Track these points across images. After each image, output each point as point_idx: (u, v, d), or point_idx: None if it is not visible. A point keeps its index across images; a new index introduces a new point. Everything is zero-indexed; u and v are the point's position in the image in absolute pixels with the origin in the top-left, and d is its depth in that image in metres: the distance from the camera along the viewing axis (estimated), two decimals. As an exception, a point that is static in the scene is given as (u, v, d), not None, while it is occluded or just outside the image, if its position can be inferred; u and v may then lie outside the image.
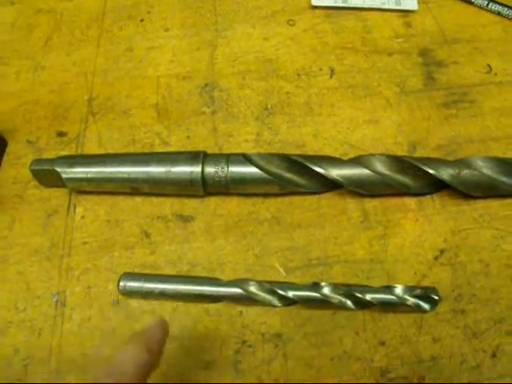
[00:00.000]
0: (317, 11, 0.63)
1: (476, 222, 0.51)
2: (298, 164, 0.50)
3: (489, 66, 0.59)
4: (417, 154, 0.54)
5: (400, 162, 0.51)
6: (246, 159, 0.50)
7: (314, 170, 0.50)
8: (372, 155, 0.51)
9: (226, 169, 0.50)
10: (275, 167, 0.50)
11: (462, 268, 0.49)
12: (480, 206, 0.52)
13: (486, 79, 0.59)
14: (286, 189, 0.51)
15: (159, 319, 0.41)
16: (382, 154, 0.51)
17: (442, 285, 0.49)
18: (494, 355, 0.46)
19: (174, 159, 0.51)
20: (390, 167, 0.51)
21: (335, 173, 0.50)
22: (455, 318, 0.48)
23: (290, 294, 0.47)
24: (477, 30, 0.62)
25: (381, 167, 0.51)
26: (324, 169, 0.50)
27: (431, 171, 0.50)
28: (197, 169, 0.50)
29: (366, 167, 0.50)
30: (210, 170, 0.50)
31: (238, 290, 0.48)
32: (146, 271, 0.50)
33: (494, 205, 0.52)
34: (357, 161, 0.51)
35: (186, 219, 0.52)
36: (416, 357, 0.46)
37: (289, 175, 0.51)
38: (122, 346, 0.37)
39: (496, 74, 0.59)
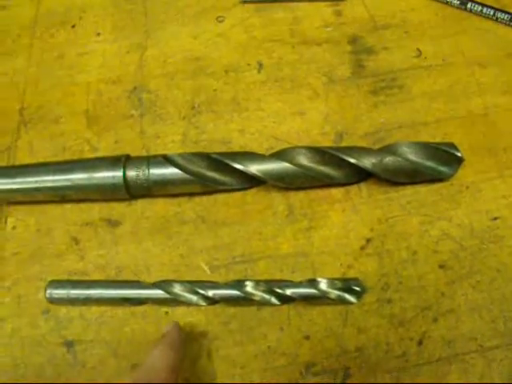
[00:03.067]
0: (246, 6, 0.62)
1: (403, 209, 0.51)
2: (218, 162, 0.50)
3: (418, 50, 0.59)
4: (343, 143, 0.54)
5: (321, 153, 0.51)
6: (167, 160, 0.50)
7: (234, 167, 0.49)
8: (293, 148, 0.51)
9: (147, 171, 0.50)
10: (196, 166, 0.50)
11: (388, 256, 0.49)
12: (408, 192, 0.52)
13: (416, 64, 0.58)
14: (208, 187, 0.51)
15: (173, 323, 0.46)
16: (303, 147, 0.51)
17: (368, 275, 0.49)
18: (420, 342, 0.46)
19: (96, 165, 0.51)
20: (311, 159, 0.51)
21: (255, 168, 0.50)
22: (381, 307, 0.48)
23: (212, 293, 0.47)
24: (407, 15, 0.61)
25: (302, 160, 0.51)
26: (244, 165, 0.50)
27: (352, 160, 0.49)
28: (118, 173, 0.50)
29: (287, 161, 0.50)
30: (131, 173, 0.50)
31: (161, 292, 0.47)
32: (76, 277, 0.51)
33: (423, 191, 0.52)
34: (278, 155, 0.51)
35: (113, 223, 0.52)
36: (341, 349, 0.46)
37: (210, 174, 0.51)
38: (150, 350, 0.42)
39: (426, 58, 0.58)
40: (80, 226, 0.52)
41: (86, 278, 0.50)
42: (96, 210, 0.53)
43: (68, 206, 0.53)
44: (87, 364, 0.47)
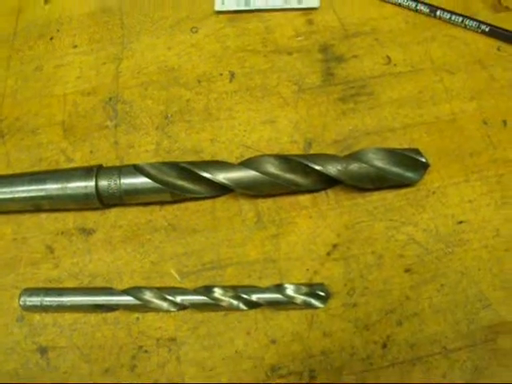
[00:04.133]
0: (220, 16, 0.64)
1: (370, 214, 0.52)
2: (187, 171, 0.51)
3: (388, 57, 0.60)
4: (312, 151, 0.55)
5: (288, 161, 0.52)
6: (137, 170, 0.52)
7: (202, 176, 0.51)
8: (260, 156, 0.52)
9: (118, 181, 0.51)
10: (166, 176, 0.52)
11: (354, 261, 0.50)
12: (375, 198, 0.53)
13: (386, 71, 0.59)
14: (178, 196, 0.52)
15: None
16: (270, 155, 0.52)
17: (334, 280, 0.50)
18: (384, 346, 0.47)
19: (70, 175, 0.53)
20: (278, 167, 0.52)
21: (223, 177, 0.51)
22: (347, 311, 0.49)
23: (180, 299, 0.48)
24: (378, 23, 0.62)
25: (269, 167, 0.52)
26: (212, 174, 0.51)
27: (318, 167, 0.51)
28: (91, 183, 0.51)
29: (255, 169, 0.51)
30: (103, 183, 0.52)
31: (131, 299, 0.49)
32: (50, 285, 0.52)
33: (389, 196, 0.53)
34: (245, 163, 0.52)
35: (87, 232, 0.53)
36: (306, 352, 0.48)
37: (180, 182, 0.52)
38: None
39: (395, 65, 0.59)
40: (55, 235, 0.54)
41: (60, 285, 0.52)
42: (71, 219, 0.54)
43: (43, 215, 0.54)
44: (60, 369, 0.49)
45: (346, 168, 0.51)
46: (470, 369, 0.47)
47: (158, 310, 0.49)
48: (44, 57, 0.64)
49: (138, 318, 0.50)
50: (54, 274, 0.52)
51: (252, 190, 0.51)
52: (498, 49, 0.60)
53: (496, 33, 0.60)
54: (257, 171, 0.51)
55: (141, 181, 0.51)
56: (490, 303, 0.49)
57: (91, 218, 0.54)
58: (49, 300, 0.50)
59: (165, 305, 0.49)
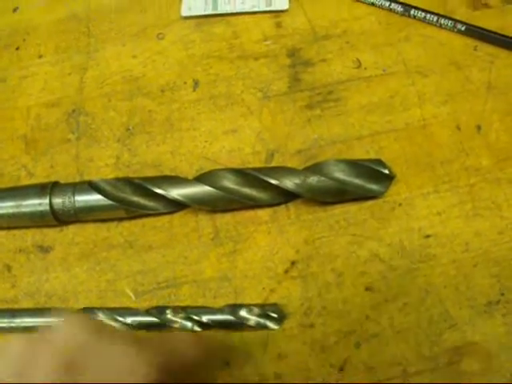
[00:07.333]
0: (187, 22, 0.62)
1: (332, 229, 0.50)
2: (141, 187, 0.50)
3: (358, 60, 0.57)
4: (274, 162, 0.53)
5: (244, 175, 0.50)
6: (92, 187, 0.50)
7: (156, 192, 0.49)
8: (217, 170, 0.51)
9: (72, 198, 0.50)
10: (121, 192, 0.51)
11: (313, 280, 0.48)
12: (337, 211, 0.51)
13: (355, 75, 0.57)
14: (133, 212, 0.51)
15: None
16: (226, 169, 0.51)
17: (291, 299, 0.48)
18: (341, 369, 0.45)
19: (25, 193, 0.52)
20: (234, 181, 0.50)
21: (176, 193, 0.49)
22: (303, 333, 0.47)
23: (132, 320, 0.47)
24: (350, 24, 0.60)
25: (226, 182, 0.50)
26: (165, 190, 0.49)
27: (274, 182, 0.49)
28: (45, 201, 0.51)
29: (210, 184, 0.49)
30: (57, 200, 0.51)
31: (82, 320, 0.47)
32: (6, 305, 0.51)
33: (353, 209, 0.51)
34: (201, 178, 0.50)
35: (45, 250, 0.52)
36: (260, 375, 0.46)
37: (134, 199, 0.51)
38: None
39: (365, 69, 0.57)
40: (13, 253, 0.53)
41: (16, 305, 0.51)
42: (29, 237, 0.53)
43: (2, 233, 0.54)
44: (12, 392, 0.47)
45: (304, 181, 0.49)
46: (430, 393, 0.44)
47: (109, 331, 0.47)
48: (9, 68, 0.63)
49: (91, 339, 0.48)
50: (10, 294, 0.52)
51: (208, 206, 0.50)
52: (475, 49, 0.57)
53: (473, 32, 0.57)
54: (212, 186, 0.49)
55: (95, 198, 0.50)
56: (455, 323, 0.46)
57: (50, 235, 0.53)
58: (1, 321, 0.49)
59: (116, 326, 0.47)
